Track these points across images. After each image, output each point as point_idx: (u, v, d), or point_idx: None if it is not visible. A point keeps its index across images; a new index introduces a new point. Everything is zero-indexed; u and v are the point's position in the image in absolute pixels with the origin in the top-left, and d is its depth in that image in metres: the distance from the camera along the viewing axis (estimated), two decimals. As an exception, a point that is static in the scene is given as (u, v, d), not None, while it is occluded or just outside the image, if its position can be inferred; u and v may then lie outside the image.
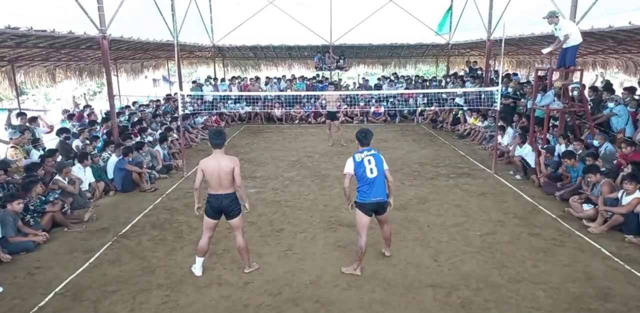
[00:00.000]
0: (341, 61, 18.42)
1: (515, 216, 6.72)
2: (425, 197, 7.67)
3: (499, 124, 9.84)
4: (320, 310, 4.35)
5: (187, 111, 11.35)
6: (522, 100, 11.86)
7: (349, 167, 4.82)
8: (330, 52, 17.91)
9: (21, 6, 7.97)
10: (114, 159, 8.44)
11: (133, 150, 8.62)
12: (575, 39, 7.78)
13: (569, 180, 7.52)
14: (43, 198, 6.52)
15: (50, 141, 9.82)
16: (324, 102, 13.73)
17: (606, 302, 4.40)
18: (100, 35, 8.79)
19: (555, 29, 7.86)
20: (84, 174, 7.71)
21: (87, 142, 9.24)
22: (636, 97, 9.04)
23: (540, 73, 9.90)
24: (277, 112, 16.29)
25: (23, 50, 10.49)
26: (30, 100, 26.26)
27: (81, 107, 13.11)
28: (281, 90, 17.00)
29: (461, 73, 18.67)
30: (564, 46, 7.90)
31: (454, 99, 15.07)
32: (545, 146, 8.39)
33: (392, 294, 4.60)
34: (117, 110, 11.03)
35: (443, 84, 17.19)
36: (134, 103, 15.12)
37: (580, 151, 7.75)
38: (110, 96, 9.58)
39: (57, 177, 7.13)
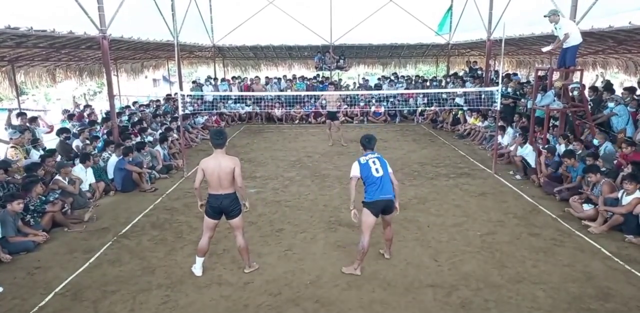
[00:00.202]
0: (341, 61, 18.42)
1: (515, 216, 6.72)
2: (425, 197, 7.67)
3: (499, 124, 9.84)
4: (320, 310, 4.35)
5: (187, 111, 11.36)
6: (522, 100, 11.86)
7: (355, 170, 4.86)
8: (331, 52, 17.91)
9: (21, 6, 7.97)
10: (114, 159, 8.44)
11: (133, 150, 8.62)
12: (575, 39, 7.78)
13: (569, 180, 7.52)
14: (43, 198, 6.52)
15: (50, 141, 9.82)
16: (324, 102, 13.73)
17: (606, 302, 4.40)
18: (100, 35, 8.79)
19: (556, 28, 7.87)
20: (85, 175, 7.71)
21: (87, 142, 9.24)
22: (636, 97, 9.03)
23: (540, 73, 9.90)
24: (277, 112, 16.29)
25: (23, 50, 10.50)
26: (30, 100, 26.26)
27: (81, 107, 13.12)
28: (281, 90, 17.01)
29: (461, 73, 18.67)
30: (564, 46, 7.90)
31: (454, 99, 15.08)
32: (546, 146, 8.39)
33: (392, 294, 4.60)
34: (117, 110, 11.04)
35: (443, 84, 17.18)
36: (134, 103, 15.13)
37: (580, 151, 7.75)
38: (111, 96, 9.58)
39: (57, 177, 7.13)
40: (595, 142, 8.12)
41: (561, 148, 8.32)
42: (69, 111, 13.19)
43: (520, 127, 10.39)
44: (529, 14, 11.40)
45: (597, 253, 5.46)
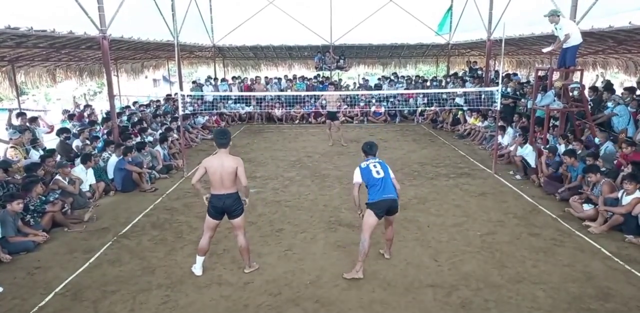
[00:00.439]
0: (341, 61, 18.42)
1: (515, 216, 6.72)
2: (425, 197, 7.67)
3: (499, 124, 9.84)
4: (320, 310, 4.35)
5: (187, 111, 11.36)
6: (522, 100, 11.86)
7: (357, 177, 4.91)
8: (331, 52, 17.91)
9: (21, 6, 7.97)
10: (114, 159, 8.44)
11: (133, 149, 8.60)
12: (576, 39, 7.78)
13: (569, 179, 7.52)
14: (43, 198, 6.52)
15: (51, 141, 9.82)
16: (324, 102, 13.73)
17: (606, 302, 4.39)
18: (100, 36, 8.79)
19: (556, 28, 7.86)
20: (85, 175, 7.71)
21: (87, 142, 9.24)
22: (636, 97, 9.03)
23: (540, 73, 9.90)
24: (277, 112, 16.29)
25: (23, 50, 10.50)
26: (30, 100, 26.24)
27: (82, 107, 13.12)
28: (281, 90, 17.01)
29: (460, 73, 18.67)
30: (564, 46, 7.89)
31: (454, 99, 15.08)
32: (547, 146, 8.39)
33: (392, 294, 4.60)
34: (117, 111, 11.03)
35: (443, 84, 17.19)
36: (134, 103, 15.13)
37: (580, 151, 7.75)
38: (111, 96, 9.58)
39: (58, 177, 7.13)
40: (597, 141, 8.12)
41: (561, 148, 8.32)
42: (69, 111, 13.19)
43: (520, 127, 10.38)
44: (529, 14, 11.40)
45: (597, 253, 5.46)
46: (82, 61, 14.05)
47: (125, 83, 18.32)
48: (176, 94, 10.61)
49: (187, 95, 12.47)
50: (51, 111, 17.23)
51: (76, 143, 9.31)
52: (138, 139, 9.88)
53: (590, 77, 14.66)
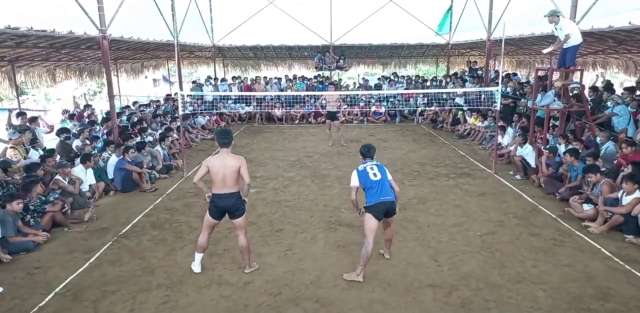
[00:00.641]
0: (341, 61, 18.42)
1: (515, 216, 6.72)
2: (425, 197, 7.67)
3: (499, 124, 9.84)
4: (320, 310, 4.35)
5: (187, 111, 11.35)
6: (522, 100, 11.86)
7: (354, 180, 4.90)
8: (331, 52, 17.91)
9: (21, 6, 7.97)
10: (114, 159, 8.44)
11: (133, 148, 8.58)
12: (576, 39, 7.78)
13: (569, 179, 7.52)
14: (43, 198, 6.52)
15: (51, 141, 9.82)
16: (324, 102, 13.74)
17: (606, 302, 4.40)
18: (100, 35, 8.79)
19: (556, 29, 7.86)
20: (85, 175, 7.70)
21: (87, 142, 9.24)
22: (636, 97, 9.03)
23: (540, 73, 9.90)
24: (277, 112, 16.29)
25: (23, 50, 10.50)
26: (30, 100, 26.25)
27: (82, 107, 13.11)
28: (281, 90, 17.01)
29: (459, 72, 18.66)
30: (564, 46, 7.89)
31: (454, 99, 15.08)
32: (548, 146, 8.39)
33: (392, 294, 4.60)
34: (117, 111, 11.03)
35: (443, 84, 17.19)
36: (134, 103, 15.12)
37: (580, 151, 7.74)
38: (111, 96, 9.58)
39: (58, 176, 7.13)
40: (598, 140, 8.13)
41: (561, 148, 8.32)
42: (69, 111, 13.20)
43: (520, 127, 10.39)
44: (529, 14, 11.40)
45: (597, 253, 5.46)
46: (82, 61, 14.05)
47: (125, 83, 18.32)
48: (176, 93, 10.62)
49: (187, 95, 12.47)
50: (51, 111, 17.25)
51: (76, 143, 9.31)
52: (138, 139, 9.87)
53: (590, 77, 14.68)
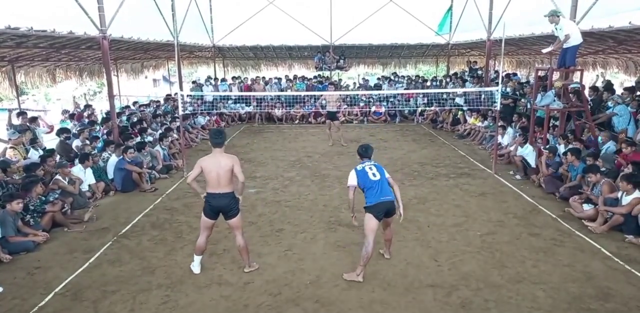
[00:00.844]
0: (341, 61, 18.43)
1: (515, 216, 6.72)
2: (425, 197, 7.67)
3: (499, 124, 9.84)
4: (320, 310, 4.35)
5: (187, 111, 11.35)
6: (522, 100, 11.86)
7: (352, 179, 4.90)
8: (331, 52, 17.91)
9: (21, 6, 7.97)
10: (114, 159, 8.44)
11: (132, 148, 8.58)
12: (576, 39, 7.78)
13: (569, 179, 7.52)
14: (43, 198, 6.52)
15: (51, 141, 9.82)
16: (324, 102, 13.74)
17: (606, 302, 4.39)
18: (100, 36, 8.79)
19: (556, 29, 7.86)
20: (84, 175, 7.70)
21: (87, 142, 9.24)
22: (636, 98, 9.03)
23: (540, 73, 9.90)
24: (277, 112, 16.29)
25: (23, 51, 10.50)
26: (30, 100, 26.25)
27: (82, 107, 13.11)
28: (282, 90, 17.01)
29: (459, 72, 18.67)
30: (564, 46, 7.89)
31: (454, 99, 15.08)
32: (547, 146, 8.39)
33: (392, 294, 4.60)
34: (117, 111, 11.03)
35: (443, 84, 17.19)
36: (134, 103, 15.13)
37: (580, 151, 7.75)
38: (111, 96, 9.58)
39: (58, 177, 7.13)
40: (599, 139, 8.14)
41: (561, 148, 8.32)
42: (69, 111, 13.19)
43: (521, 127, 10.39)
44: (529, 14, 11.40)
45: (597, 253, 5.46)
46: (82, 61, 14.05)
47: (125, 83, 18.32)
48: (176, 93, 10.62)
49: (187, 95, 12.50)
50: (51, 111, 17.24)
51: (76, 143, 9.30)
52: (138, 139, 9.87)
53: (591, 77, 14.68)
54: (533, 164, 8.64)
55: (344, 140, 12.08)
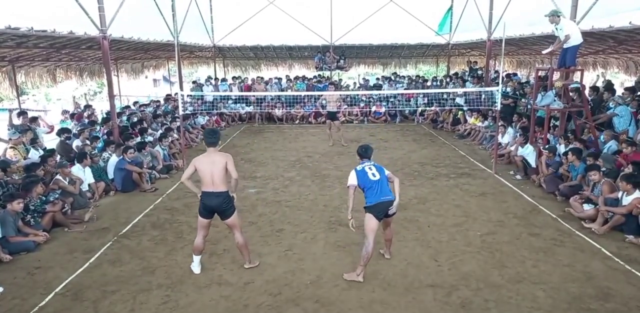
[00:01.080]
0: (341, 61, 18.43)
1: (515, 216, 6.72)
2: (425, 197, 7.67)
3: (500, 124, 9.83)
4: (320, 310, 4.35)
5: (187, 111, 11.36)
6: (523, 100, 11.86)
7: (352, 179, 4.90)
8: (331, 52, 17.92)
9: (21, 6, 7.98)
10: (114, 159, 8.44)
11: (132, 148, 8.58)
12: (576, 39, 7.77)
13: (570, 179, 7.52)
14: (43, 198, 6.52)
15: (51, 141, 9.82)
16: (324, 102, 13.74)
17: (606, 302, 4.39)
18: (100, 36, 8.80)
19: (556, 29, 7.86)
20: (83, 174, 7.70)
21: (87, 142, 9.24)
22: (637, 98, 9.02)
23: (540, 73, 9.90)
24: (278, 112, 16.30)
25: (23, 51, 10.50)
26: (30, 101, 26.28)
27: (82, 107, 13.11)
28: (282, 90, 17.01)
29: (460, 72, 18.67)
30: (565, 46, 7.89)
31: (454, 99, 15.08)
32: (547, 146, 8.39)
33: (392, 294, 4.60)
34: (117, 111, 11.03)
35: (443, 84, 17.20)
36: (135, 103, 15.12)
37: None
38: (111, 96, 9.58)
39: (58, 176, 7.14)
40: (601, 138, 8.14)
41: (561, 148, 8.32)
42: (69, 111, 13.19)
43: (521, 127, 10.39)
44: (529, 14, 11.40)
45: (597, 253, 5.46)
46: (82, 61, 14.06)
47: (125, 83, 18.33)
48: (176, 94, 10.63)
49: (187, 95, 12.49)
50: (51, 111, 17.25)
51: (76, 143, 9.31)
52: (138, 139, 9.87)
53: (591, 77, 14.67)
54: (533, 164, 8.63)
55: (345, 140, 12.08)
